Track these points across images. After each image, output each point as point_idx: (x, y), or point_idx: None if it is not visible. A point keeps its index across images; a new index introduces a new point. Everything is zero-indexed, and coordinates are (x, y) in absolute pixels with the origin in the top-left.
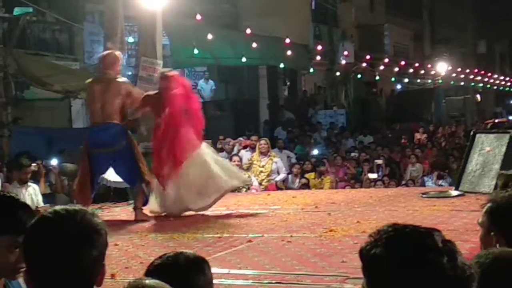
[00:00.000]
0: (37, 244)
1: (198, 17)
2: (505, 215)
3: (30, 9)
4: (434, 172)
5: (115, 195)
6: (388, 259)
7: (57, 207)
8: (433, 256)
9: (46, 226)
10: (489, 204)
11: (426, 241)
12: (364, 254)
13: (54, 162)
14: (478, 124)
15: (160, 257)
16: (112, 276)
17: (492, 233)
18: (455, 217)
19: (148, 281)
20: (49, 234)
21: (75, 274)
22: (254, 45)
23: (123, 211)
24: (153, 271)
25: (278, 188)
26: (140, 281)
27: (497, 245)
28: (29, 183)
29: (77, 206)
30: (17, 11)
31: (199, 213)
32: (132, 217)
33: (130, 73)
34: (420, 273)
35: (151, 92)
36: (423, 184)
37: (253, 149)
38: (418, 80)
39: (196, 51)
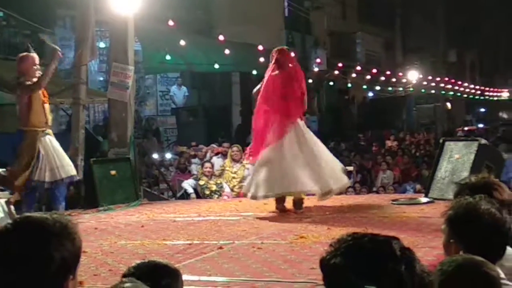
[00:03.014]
0: None
1: (171, 23)
2: (463, 223)
3: (0, 14)
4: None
5: (85, 201)
6: (347, 268)
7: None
8: (391, 264)
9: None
10: (449, 212)
11: (384, 250)
12: (324, 263)
13: None
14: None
15: (133, 266)
16: (80, 283)
17: (451, 240)
18: (424, 224)
19: (128, 284)
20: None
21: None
22: (227, 51)
23: (92, 218)
24: (128, 276)
25: None
26: (120, 284)
27: (460, 252)
28: None
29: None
30: None
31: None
32: (101, 224)
33: (101, 78)
34: (379, 282)
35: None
36: (404, 191)
37: (224, 155)
38: (390, 88)
39: (168, 57)
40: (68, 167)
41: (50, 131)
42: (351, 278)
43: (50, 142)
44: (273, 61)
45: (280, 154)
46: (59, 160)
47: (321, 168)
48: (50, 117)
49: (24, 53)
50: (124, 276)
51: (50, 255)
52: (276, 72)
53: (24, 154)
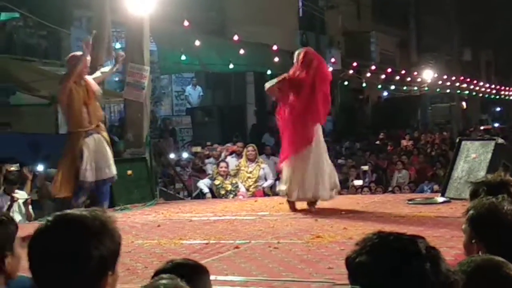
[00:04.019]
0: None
1: (186, 23)
2: (485, 223)
3: (17, 14)
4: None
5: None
6: (372, 266)
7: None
8: (416, 262)
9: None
10: (470, 212)
11: (409, 248)
12: (349, 262)
13: (40, 168)
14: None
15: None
16: None
17: (473, 241)
18: (440, 223)
19: (166, 280)
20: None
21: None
22: (242, 51)
23: None
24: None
25: (265, 194)
26: (158, 280)
27: (479, 252)
28: (16, 191)
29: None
30: (3, 16)
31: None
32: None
33: (117, 78)
34: (404, 280)
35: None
36: (421, 191)
37: (238, 155)
38: (404, 87)
39: (183, 57)
40: (112, 167)
41: (102, 127)
42: (376, 276)
43: (95, 141)
44: (299, 63)
45: (307, 160)
46: (104, 160)
47: (326, 176)
48: (100, 114)
49: (71, 53)
50: (158, 273)
51: (88, 253)
52: (303, 73)
53: (66, 156)
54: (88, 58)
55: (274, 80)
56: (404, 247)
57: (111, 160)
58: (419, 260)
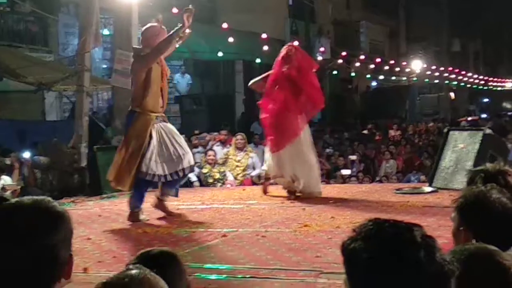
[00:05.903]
0: None
1: (175, 10)
2: (473, 210)
3: (4, 0)
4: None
5: (89, 188)
6: (366, 253)
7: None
8: (410, 250)
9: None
10: (459, 200)
11: (404, 236)
12: (344, 248)
13: (26, 155)
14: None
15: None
16: (85, 270)
17: (461, 228)
18: (428, 213)
19: (134, 270)
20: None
21: (36, 263)
22: (231, 39)
23: (96, 205)
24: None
25: (253, 183)
26: (126, 271)
27: (468, 240)
28: (3, 177)
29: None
30: None
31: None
32: (105, 212)
33: (105, 66)
34: (397, 267)
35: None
36: (408, 182)
37: (223, 143)
38: (393, 78)
39: None
40: (188, 156)
41: (165, 117)
42: (370, 262)
43: (165, 129)
44: (281, 58)
45: (295, 151)
46: (178, 149)
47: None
48: (166, 101)
49: (148, 24)
50: (129, 264)
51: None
52: (284, 68)
53: (132, 140)
54: (188, 30)
55: (259, 77)
56: (399, 234)
57: (186, 148)
58: (413, 248)
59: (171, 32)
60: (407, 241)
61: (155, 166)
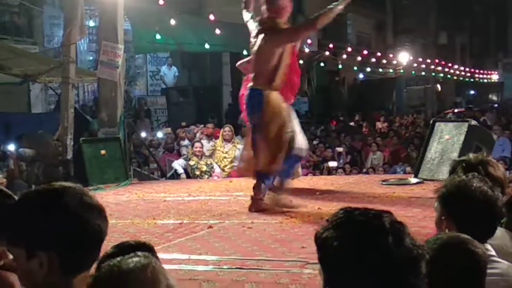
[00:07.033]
0: None
1: (161, 1)
2: (454, 200)
3: None
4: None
5: (75, 181)
6: (336, 240)
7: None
8: (378, 236)
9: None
10: (441, 189)
11: (373, 222)
12: (317, 237)
13: (11, 147)
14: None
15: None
16: None
17: (443, 217)
18: (413, 204)
19: (137, 258)
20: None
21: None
22: (218, 31)
23: None
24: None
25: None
26: (130, 258)
27: (447, 230)
28: None
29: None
30: None
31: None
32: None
33: (91, 58)
34: (366, 253)
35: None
36: (393, 173)
37: (208, 136)
38: (380, 70)
39: (158, 37)
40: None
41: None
42: (340, 249)
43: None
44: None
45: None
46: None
47: None
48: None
49: None
50: (103, 259)
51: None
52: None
53: (272, 122)
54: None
55: (245, 59)
56: (368, 221)
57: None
58: (381, 234)
59: (330, 6)
60: (375, 227)
61: (299, 141)
